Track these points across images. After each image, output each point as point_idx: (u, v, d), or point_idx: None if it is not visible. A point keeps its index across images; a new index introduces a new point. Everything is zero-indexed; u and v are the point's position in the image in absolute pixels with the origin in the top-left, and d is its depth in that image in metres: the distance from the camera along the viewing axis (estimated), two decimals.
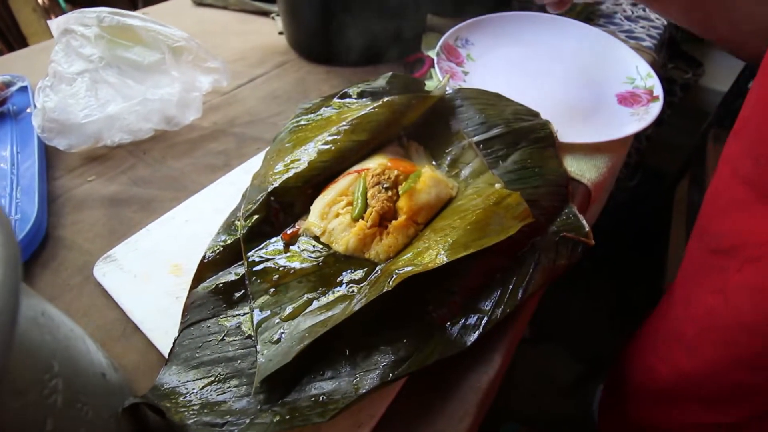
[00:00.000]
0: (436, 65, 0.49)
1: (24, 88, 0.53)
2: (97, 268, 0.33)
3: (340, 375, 0.25)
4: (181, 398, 0.24)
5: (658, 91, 0.48)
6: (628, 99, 0.49)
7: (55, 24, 0.46)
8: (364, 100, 0.42)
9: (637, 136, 0.96)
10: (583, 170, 0.41)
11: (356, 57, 0.59)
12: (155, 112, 0.46)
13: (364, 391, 0.23)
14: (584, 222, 0.35)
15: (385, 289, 0.26)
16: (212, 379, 0.26)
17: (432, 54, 0.53)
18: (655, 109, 0.46)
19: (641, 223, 1.19)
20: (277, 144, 0.40)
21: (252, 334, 0.28)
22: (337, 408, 0.23)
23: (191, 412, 0.24)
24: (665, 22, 0.73)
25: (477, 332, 0.27)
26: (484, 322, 0.27)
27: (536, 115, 0.43)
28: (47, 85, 0.46)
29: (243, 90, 0.56)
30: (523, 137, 0.41)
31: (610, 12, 0.74)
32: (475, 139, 0.41)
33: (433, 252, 0.28)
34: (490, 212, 0.32)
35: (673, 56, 1.01)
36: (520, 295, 0.29)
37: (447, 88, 0.45)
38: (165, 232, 0.35)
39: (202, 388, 0.25)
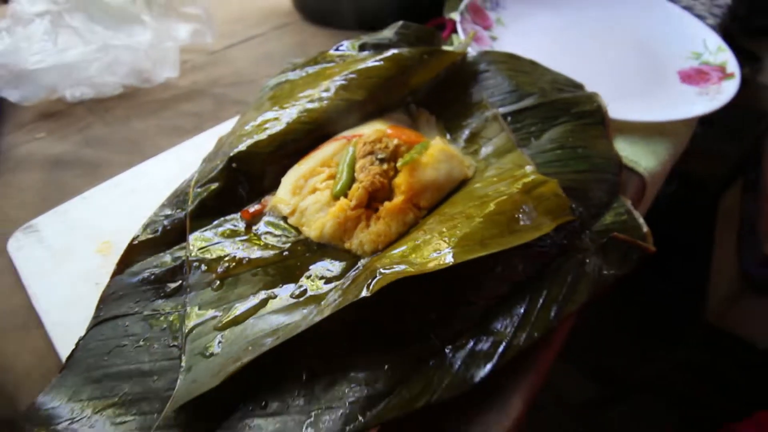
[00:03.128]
0: (458, 26, 0.41)
1: None
2: (12, 239, 0.26)
3: (289, 410, 0.18)
4: (62, 425, 0.17)
5: (733, 67, 0.39)
6: (693, 77, 0.40)
7: None
8: (365, 53, 0.34)
9: None
10: (638, 156, 0.32)
11: (367, 20, 0.51)
12: (122, 65, 0.39)
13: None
14: (641, 221, 0.27)
15: (362, 295, 0.18)
16: (114, 400, 0.18)
17: (455, 17, 0.44)
18: (731, 87, 0.36)
19: (679, 235, 1.08)
20: (256, 102, 0.32)
21: (180, 340, 0.20)
22: None
23: None
24: (729, 2, 0.62)
25: (490, 364, 0.19)
26: (501, 349, 0.19)
27: (580, 86, 0.34)
28: (2, 27, 0.39)
29: (233, 50, 0.49)
30: (563, 111, 0.32)
31: None
32: (502, 110, 0.32)
33: (437, 248, 0.20)
34: (517, 202, 0.24)
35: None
36: (553, 315, 0.21)
37: (470, 50, 0.36)
38: (103, 202, 0.28)
39: (97, 412, 0.18)
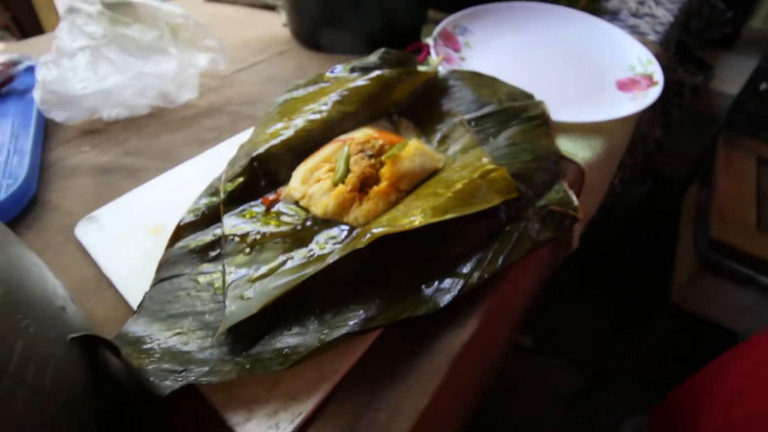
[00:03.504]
0: (432, 49, 0.49)
1: (31, 68, 0.55)
2: (78, 227, 0.33)
3: (307, 331, 0.25)
4: (144, 346, 0.24)
5: (659, 76, 0.47)
6: (627, 85, 0.48)
7: (62, 3, 0.48)
8: (354, 74, 0.42)
9: (645, 140, 0.94)
10: (576, 150, 0.40)
11: (357, 46, 0.60)
12: (151, 88, 0.46)
13: (328, 340, 0.23)
14: (573, 197, 0.34)
15: (358, 246, 0.25)
16: (178, 331, 0.25)
17: (429, 41, 0.53)
18: (654, 92, 0.45)
19: (650, 230, 1.16)
20: (267, 115, 0.40)
21: (222, 290, 0.27)
22: (298, 357, 0.22)
23: (152, 360, 0.23)
24: (671, 19, 0.72)
25: (451, 294, 0.26)
26: (459, 285, 0.26)
27: (530, 96, 0.42)
28: (49, 60, 0.47)
29: (242, 74, 0.57)
30: (515, 116, 0.40)
31: (615, 9, 0.74)
32: (467, 116, 0.40)
33: (412, 215, 0.28)
34: (475, 184, 0.31)
35: (684, 60, 1.00)
36: (500, 263, 0.28)
37: (441, 69, 0.44)
38: (148, 197, 0.35)
39: (167, 338, 0.25)
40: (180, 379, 0.22)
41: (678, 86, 0.98)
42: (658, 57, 0.58)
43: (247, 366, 0.23)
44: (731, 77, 1.01)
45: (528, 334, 1.16)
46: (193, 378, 0.22)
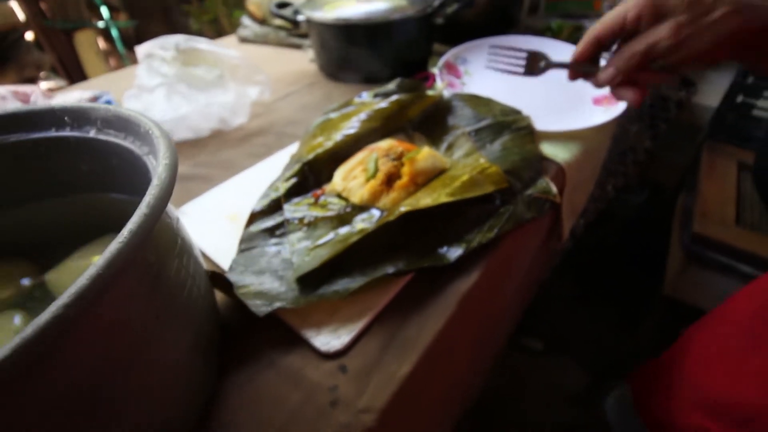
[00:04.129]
0: (438, 77, 0.60)
1: (109, 101, 0.67)
2: None
3: (355, 280, 0.34)
4: (241, 287, 0.34)
5: None
6: (602, 101, 0.58)
7: (142, 49, 0.60)
8: (377, 98, 0.52)
9: (635, 150, 1.04)
10: (557, 152, 0.50)
11: (373, 77, 0.71)
12: (214, 115, 0.58)
13: (374, 277, 0.32)
14: (553, 187, 0.44)
15: (390, 219, 0.35)
16: (262, 281, 0.35)
17: (435, 71, 0.64)
18: (622, 105, 0.54)
19: (647, 235, 1.24)
20: (310, 133, 0.50)
21: (289, 256, 0.37)
22: (352, 290, 0.32)
23: (248, 295, 0.33)
24: None
25: (458, 253, 0.35)
26: (464, 247, 0.36)
27: (519, 112, 0.53)
28: (133, 94, 0.59)
29: (280, 102, 0.68)
30: (507, 127, 0.50)
31: None
32: (468, 129, 0.50)
33: (427, 199, 0.38)
34: (474, 178, 0.41)
35: None
36: (495, 232, 0.38)
37: (446, 93, 0.55)
38: (223, 195, 0.46)
39: (255, 285, 0.34)
40: (270, 306, 0.31)
41: (663, 101, 1.08)
42: None
43: (314, 299, 0.32)
44: (713, 92, 1.10)
45: (539, 340, 1.22)
46: (278, 304, 0.31)
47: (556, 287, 1.33)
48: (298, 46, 0.92)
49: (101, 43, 2.09)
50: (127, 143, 0.27)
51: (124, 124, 0.27)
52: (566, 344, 1.19)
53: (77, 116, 0.29)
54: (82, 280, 0.15)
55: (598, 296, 1.28)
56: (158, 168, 0.21)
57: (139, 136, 0.26)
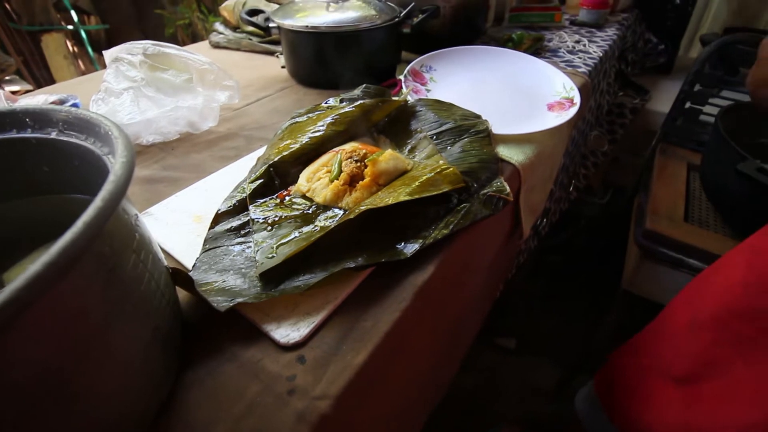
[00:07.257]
0: (403, 84, 0.63)
1: (76, 105, 0.67)
2: None
3: (316, 275, 0.36)
4: (204, 285, 0.35)
5: (577, 99, 0.61)
6: (555, 106, 0.62)
7: (109, 53, 0.61)
8: (343, 103, 0.54)
9: (595, 154, 1.09)
10: (513, 154, 0.53)
11: (343, 83, 0.73)
12: (182, 119, 0.58)
13: (333, 271, 0.34)
14: (507, 186, 0.46)
15: (350, 217, 0.37)
16: (225, 278, 0.36)
17: (402, 77, 0.66)
18: (573, 110, 0.58)
19: (608, 234, 1.30)
20: (277, 135, 0.52)
21: (253, 254, 0.38)
22: (312, 284, 0.33)
23: (210, 292, 0.34)
24: (601, 54, 0.88)
25: (414, 248, 0.37)
26: (421, 242, 0.38)
27: (478, 117, 0.56)
28: (99, 98, 0.59)
29: (251, 107, 0.69)
30: (466, 131, 0.53)
31: (556, 47, 0.90)
32: (429, 132, 0.53)
33: (387, 198, 0.40)
34: (432, 178, 0.43)
35: (624, 85, 1.17)
36: (450, 229, 0.40)
37: (410, 98, 0.58)
38: (189, 197, 0.47)
39: (218, 283, 0.35)
40: (231, 302, 0.32)
41: (620, 108, 1.14)
42: (584, 84, 0.73)
43: (276, 294, 0.33)
44: (666, 98, 1.18)
45: (511, 338, 1.26)
46: (239, 300, 0.33)
47: (527, 287, 1.37)
48: (270, 53, 0.93)
49: (71, 47, 2.04)
50: (87, 144, 0.28)
51: (84, 126, 0.28)
52: (538, 342, 1.23)
53: (38, 118, 0.29)
54: (36, 267, 0.16)
55: (567, 294, 1.33)
56: (115, 165, 0.22)
57: (99, 137, 0.27)
